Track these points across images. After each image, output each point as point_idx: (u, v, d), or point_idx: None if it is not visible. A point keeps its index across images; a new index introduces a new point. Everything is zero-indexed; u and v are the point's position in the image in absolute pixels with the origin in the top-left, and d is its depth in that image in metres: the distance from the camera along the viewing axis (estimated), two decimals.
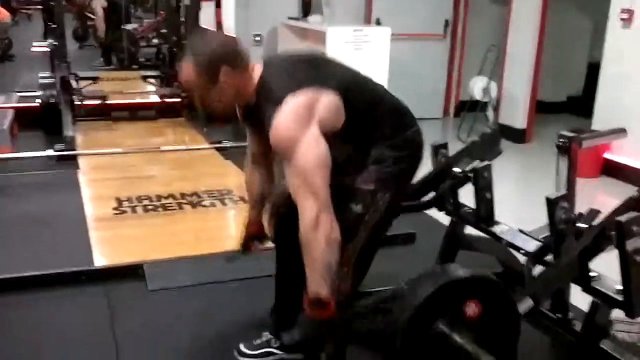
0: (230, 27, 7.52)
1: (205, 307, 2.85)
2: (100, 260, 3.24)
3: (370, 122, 2.03)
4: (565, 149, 2.43)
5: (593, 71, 7.52)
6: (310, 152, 1.81)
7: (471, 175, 2.62)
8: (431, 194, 2.78)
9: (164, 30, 9.64)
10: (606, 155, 5.15)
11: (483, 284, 1.84)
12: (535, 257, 2.19)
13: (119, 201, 4.09)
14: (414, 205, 2.75)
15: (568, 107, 7.81)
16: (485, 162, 2.59)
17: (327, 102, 1.89)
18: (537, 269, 2.20)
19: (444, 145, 2.87)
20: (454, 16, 7.15)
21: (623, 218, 1.88)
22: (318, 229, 1.78)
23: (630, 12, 4.94)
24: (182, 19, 6.50)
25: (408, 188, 2.30)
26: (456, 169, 2.71)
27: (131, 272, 3.11)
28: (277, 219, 2.30)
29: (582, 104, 7.58)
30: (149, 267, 3.14)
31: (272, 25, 6.63)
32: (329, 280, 1.81)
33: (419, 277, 1.83)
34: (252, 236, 2.44)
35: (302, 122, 1.82)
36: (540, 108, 6.74)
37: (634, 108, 4.95)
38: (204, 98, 1.95)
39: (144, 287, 3.00)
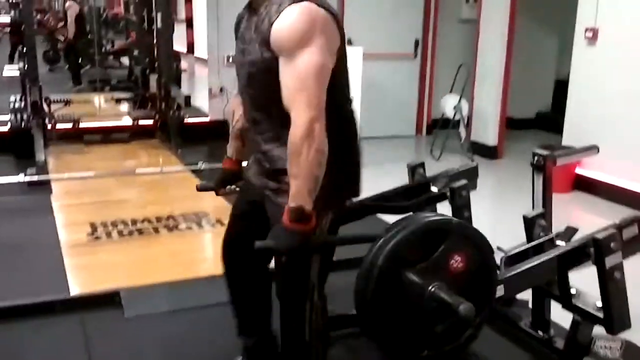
0: (202, 48, 7.54)
1: (183, 333, 2.80)
2: (75, 288, 3.18)
3: (332, 104, 1.78)
4: (540, 166, 2.47)
5: (560, 88, 7.73)
6: (315, 58, 1.68)
7: (448, 193, 2.64)
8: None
9: (135, 52, 9.66)
10: (578, 171, 5.24)
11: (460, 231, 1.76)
12: (512, 258, 2.17)
13: (94, 226, 4.03)
14: (389, 207, 2.71)
15: (537, 123, 7.96)
16: (463, 181, 2.62)
17: (336, 34, 1.77)
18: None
19: (421, 165, 2.90)
20: (424, 36, 7.25)
21: (601, 235, 1.91)
22: (311, 138, 1.66)
23: (594, 30, 5.07)
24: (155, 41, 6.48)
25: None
26: (433, 188, 2.73)
27: (108, 300, 3.05)
28: (226, 244, 2.22)
29: (550, 120, 7.75)
30: (125, 293, 3.09)
31: None
32: (314, 194, 1.71)
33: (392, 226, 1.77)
34: (227, 174, 2.30)
35: (312, 27, 1.69)
36: (510, 124, 6.85)
37: (602, 124, 5.06)
38: None
39: (120, 315, 2.94)
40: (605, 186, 4.96)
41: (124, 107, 7.22)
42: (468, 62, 6.58)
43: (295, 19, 1.69)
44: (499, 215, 4.80)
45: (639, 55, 4.56)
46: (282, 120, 1.79)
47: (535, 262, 2.00)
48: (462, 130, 6.48)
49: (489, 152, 6.39)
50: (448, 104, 6.43)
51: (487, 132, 6.45)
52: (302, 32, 1.68)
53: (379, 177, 5.47)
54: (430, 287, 1.65)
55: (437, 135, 6.67)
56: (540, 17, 7.39)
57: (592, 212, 4.87)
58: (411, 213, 2.42)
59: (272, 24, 1.72)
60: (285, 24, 1.70)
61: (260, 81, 1.82)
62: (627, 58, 4.76)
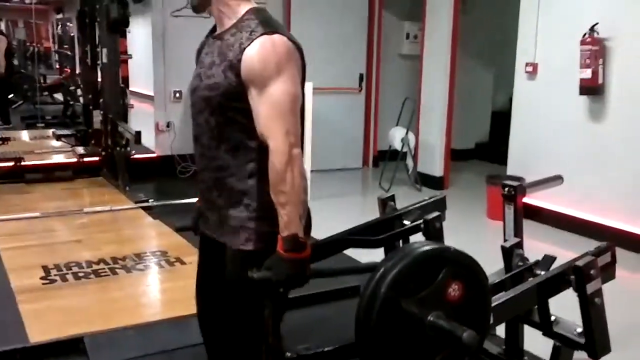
0: (137, 83, 7.45)
1: None
2: (35, 336, 3.02)
3: None
4: (511, 197, 2.55)
5: (496, 119, 8.08)
6: (289, 87, 1.71)
7: (421, 225, 2.69)
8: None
9: (72, 87, 9.42)
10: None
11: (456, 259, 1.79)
12: (495, 287, 2.22)
13: (46, 269, 3.86)
14: (363, 240, 2.73)
15: (476, 153, 8.26)
16: (436, 213, 2.68)
17: (300, 67, 1.78)
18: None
19: (391, 198, 2.94)
20: (368, 70, 7.43)
21: (581, 262, 2.00)
22: (293, 164, 1.68)
23: (534, 65, 5.34)
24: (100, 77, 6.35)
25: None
26: (406, 221, 2.77)
27: (71, 347, 2.92)
28: (197, 285, 2.13)
29: (489, 150, 8.07)
30: (90, 339, 2.96)
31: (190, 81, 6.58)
32: (303, 220, 1.73)
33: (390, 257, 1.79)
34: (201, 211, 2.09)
35: (285, 58, 1.72)
36: (452, 155, 7.07)
37: (543, 153, 5.30)
38: None
39: None
40: (549, 213, 5.17)
41: (66, 144, 6.98)
42: (411, 95, 6.78)
43: (268, 49, 1.71)
44: (458, 246, 4.90)
45: (575, 87, 4.81)
46: (233, 148, 1.80)
47: (519, 291, 2.06)
48: (409, 161, 6.63)
49: (436, 183, 6.56)
50: (396, 137, 6.58)
51: (434, 163, 6.62)
52: (276, 62, 1.70)
53: (331, 210, 5.55)
54: (429, 317, 1.68)
55: (384, 167, 6.79)
56: (477, 52, 7.72)
57: (537, 239, 5.05)
58: (404, 244, 2.47)
59: (243, 50, 1.72)
60: (259, 53, 1.71)
61: (216, 107, 1.80)
62: (565, 90, 5.02)
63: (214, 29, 1.94)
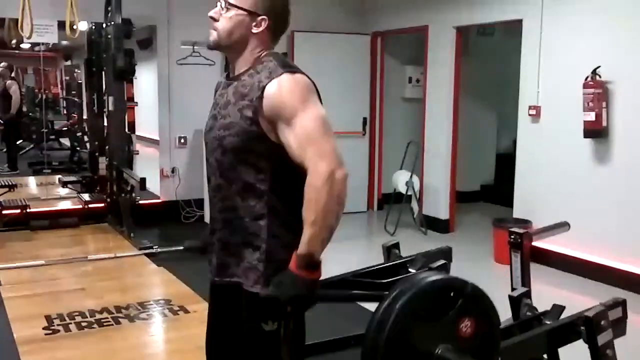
0: (145, 128, 7.52)
1: None
2: None
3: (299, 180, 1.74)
4: (518, 244, 2.53)
5: (501, 160, 8.08)
6: (317, 111, 1.73)
7: None
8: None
9: (79, 134, 9.52)
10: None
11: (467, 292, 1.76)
12: (503, 332, 2.17)
13: (49, 319, 3.82)
14: (368, 283, 2.69)
15: (482, 195, 8.23)
16: (441, 261, 2.65)
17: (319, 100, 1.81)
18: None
19: (396, 245, 2.91)
20: (371, 114, 7.48)
21: (591, 313, 1.96)
22: (333, 185, 1.64)
23: (537, 108, 5.36)
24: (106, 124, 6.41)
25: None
26: (411, 269, 2.74)
27: None
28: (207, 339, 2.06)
29: (494, 192, 8.05)
30: None
31: (195, 128, 6.64)
32: (325, 244, 1.69)
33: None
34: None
35: (308, 92, 1.75)
36: (458, 197, 7.04)
37: (548, 196, 5.28)
38: (223, 17, 1.83)
39: None
40: (558, 256, 5.12)
41: (71, 190, 7.00)
42: (415, 138, 6.80)
43: (291, 84, 1.74)
44: None
45: (579, 130, 4.82)
46: (243, 189, 1.80)
47: (528, 336, 2.02)
48: (414, 205, 6.61)
49: (441, 226, 6.52)
50: (400, 180, 6.57)
51: (439, 206, 6.60)
52: (300, 94, 1.73)
53: (336, 253, 5.50)
54: (438, 349, 1.64)
55: (389, 210, 6.77)
56: (480, 95, 7.77)
57: (546, 283, 5.00)
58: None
59: (263, 88, 1.75)
60: (283, 88, 1.73)
61: (230, 147, 1.81)
62: (569, 133, 5.03)
63: (228, 73, 1.96)
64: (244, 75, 1.83)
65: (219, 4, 1.85)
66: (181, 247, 5.24)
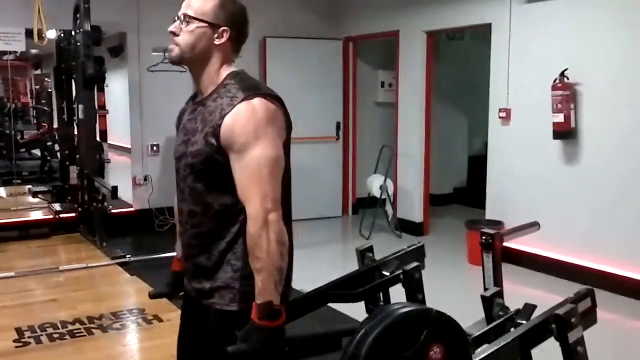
0: (116, 136, 7.44)
1: None
2: None
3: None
4: (489, 245, 2.55)
5: (473, 163, 8.17)
6: (269, 151, 1.70)
7: (401, 276, 2.67)
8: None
9: (49, 143, 9.36)
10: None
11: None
12: (476, 340, 2.19)
13: (20, 332, 3.75)
14: (343, 295, 2.70)
15: (455, 198, 8.31)
16: (415, 264, 2.66)
17: (283, 128, 1.79)
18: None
19: (369, 249, 2.92)
20: (344, 119, 7.51)
21: (561, 311, 1.98)
22: (269, 229, 1.66)
23: (507, 110, 5.43)
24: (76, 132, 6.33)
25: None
26: (385, 272, 2.76)
27: None
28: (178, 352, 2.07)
29: (467, 194, 8.13)
30: None
31: (167, 135, 6.60)
32: (280, 287, 1.69)
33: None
34: (178, 276, 2.07)
35: (264, 122, 1.72)
36: (431, 200, 7.10)
37: (520, 196, 5.35)
38: (183, 31, 1.80)
39: None
40: (529, 256, 5.19)
41: (42, 200, 6.89)
42: (389, 142, 6.84)
43: (247, 115, 1.71)
44: (439, 294, 4.86)
45: (549, 131, 4.89)
46: (219, 211, 1.79)
47: (501, 344, 2.03)
48: (388, 208, 6.64)
49: (416, 229, 6.56)
50: (374, 184, 6.60)
51: (413, 209, 6.64)
52: (254, 128, 1.70)
53: (312, 259, 5.51)
54: None
55: (364, 214, 6.80)
56: (451, 99, 7.85)
57: (518, 283, 5.06)
58: (384, 296, 2.46)
59: (224, 116, 1.73)
60: (238, 120, 1.71)
61: (201, 172, 1.80)
62: (539, 134, 5.10)
63: (195, 94, 1.94)
64: (209, 100, 1.82)
65: (177, 18, 1.82)
66: (153, 256, 5.21)
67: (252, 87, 1.78)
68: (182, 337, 2.04)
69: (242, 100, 1.73)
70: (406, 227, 6.60)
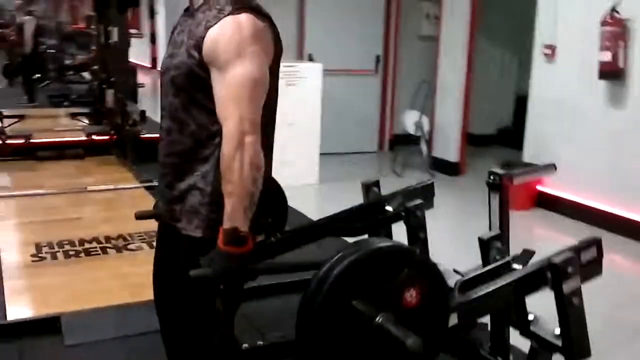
0: None
1: None
2: (14, 313, 2.99)
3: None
4: (497, 186, 2.39)
5: (521, 104, 7.78)
6: (251, 71, 1.60)
7: (403, 213, 2.55)
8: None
9: (95, 67, 9.45)
10: (539, 188, 5.23)
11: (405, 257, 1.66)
12: (467, 282, 2.08)
13: (39, 247, 3.83)
14: (341, 228, 2.62)
15: (498, 139, 7.99)
16: (418, 201, 2.53)
17: (271, 48, 1.69)
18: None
19: (376, 183, 2.79)
20: (385, 52, 7.24)
21: (558, 259, 1.84)
22: (243, 151, 1.57)
23: (552, 47, 5.09)
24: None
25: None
26: (388, 207, 2.64)
27: (47, 326, 2.87)
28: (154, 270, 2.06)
29: (511, 136, 7.79)
30: (66, 319, 2.91)
31: None
32: (249, 213, 1.61)
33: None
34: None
35: (249, 39, 1.62)
36: (472, 141, 6.85)
37: (562, 140, 5.07)
38: None
39: (60, 342, 2.77)
40: (567, 203, 4.96)
41: (81, 122, 7.00)
42: (429, 78, 6.57)
43: (232, 30, 1.61)
44: (459, 235, 4.73)
45: (595, 71, 4.57)
46: (195, 135, 1.72)
47: (491, 289, 1.91)
48: (423, 146, 6.45)
49: (451, 169, 6.37)
50: (409, 120, 6.40)
51: (449, 148, 6.43)
52: (238, 44, 1.60)
53: (339, 193, 5.42)
54: (378, 318, 1.56)
55: (399, 151, 6.63)
56: (500, 35, 7.45)
57: (552, 229, 4.86)
58: (365, 236, 2.37)
59: (207, 29, 1.63)
60: (222, 34, 1.62)
61: (181, 87, 1.71)
62: (584, 74, 4.78)
63: (187, 7, 1.83)
64: (199, 12, 1.71)
65: None
66: None
67: (241, 1, 1.66)
68: (156, 259, 2.01)
69: (229, 14, 1.62)
70: (441, 166, 6.41)
